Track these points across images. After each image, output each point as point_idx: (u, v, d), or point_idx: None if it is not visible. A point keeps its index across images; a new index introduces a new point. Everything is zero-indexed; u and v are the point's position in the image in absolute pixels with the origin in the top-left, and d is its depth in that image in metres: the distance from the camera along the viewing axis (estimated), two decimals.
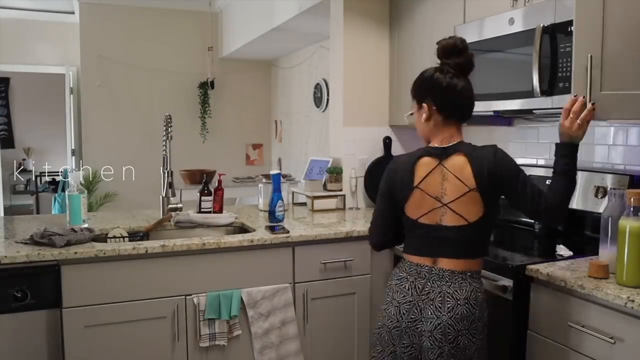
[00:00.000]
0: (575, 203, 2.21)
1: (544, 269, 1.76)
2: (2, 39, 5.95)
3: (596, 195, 2.13)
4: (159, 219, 2.56)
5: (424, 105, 1.70)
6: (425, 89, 1.71)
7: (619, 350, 1.50)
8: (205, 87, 6.07)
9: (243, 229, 2.56)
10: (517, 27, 2.12)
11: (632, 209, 1.57)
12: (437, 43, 1.73)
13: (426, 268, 1.64)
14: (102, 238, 2.34)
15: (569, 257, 1.90)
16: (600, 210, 1.90)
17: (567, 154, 1.66)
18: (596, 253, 1.76)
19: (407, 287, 1.65)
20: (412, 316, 1.61)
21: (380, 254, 2.51)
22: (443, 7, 2.67)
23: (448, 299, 1.58)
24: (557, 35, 1.94)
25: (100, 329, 2.04)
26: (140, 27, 5.87)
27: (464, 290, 1.59)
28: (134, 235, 2.44)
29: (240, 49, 5.47)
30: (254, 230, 2.40)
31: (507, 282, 1.84)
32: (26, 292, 1.92)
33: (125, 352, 2.08)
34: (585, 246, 2.01)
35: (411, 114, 1.79)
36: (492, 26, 2.25)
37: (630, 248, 1.55)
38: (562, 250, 1.95)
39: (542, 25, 1.97)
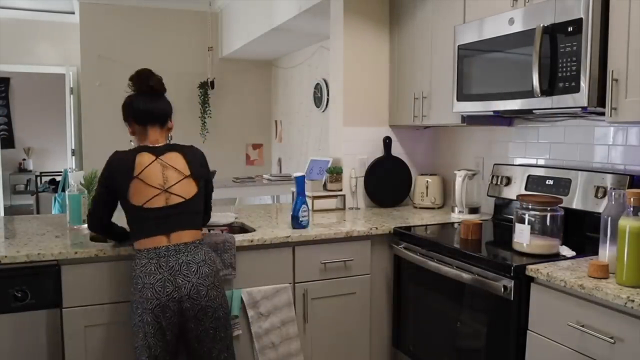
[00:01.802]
0: (575, 203, 2.22)
1: (544, 269, 1.76)
2: (2, 39, 5.95)
3: (596, 195, 2.13)
4: None
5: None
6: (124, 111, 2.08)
7: (619, 350, 1.50)
8: (205, 87, 6.07)
9: (243, 229, 2.56)
10: (517, 27, 2.12)
11: (632, 209, 1.57)
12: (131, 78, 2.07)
13: (163, 248, 1.89)
14: (102, 238, 2.33)
15: (570, 257, 1.90)
16: (600, 210, 1.90)
17: None
18: (596, 253, 1.76)
19: (152, 269, 1.86)
20: (168, 290, 1.84)
21: (380, 253, 2.52)
22: (443, 7, 2.67)
23: (191, 265, 1.89)
24: (557, 35, 1.94)
25: (100, 329, 2.04)
26: (140, 27, 5.88)
27: (199, 255, 1.93)
28: None
29: (240, 49, 5.47)
30: (254, 230, 2.40)
31: (507, 282, 1.84)
32: (26, 292, 1.92)
33: (125, 352, 2.08)
34: (585, 246, 2.01)
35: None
36: (492, 26, 2.26)
37: (630, 248, 1.55)
38: (564, 250, 1.95)
39: (542, 25, 1.97)
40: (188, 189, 1.97)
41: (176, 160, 1.99)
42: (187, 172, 1.98)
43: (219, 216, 2.61)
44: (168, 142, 2.09)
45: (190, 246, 1.92)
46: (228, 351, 1.99)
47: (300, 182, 2.45)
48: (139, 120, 2.04)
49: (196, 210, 2.00)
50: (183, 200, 1.94)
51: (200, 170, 2.03)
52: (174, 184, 1.94)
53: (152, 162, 1.94)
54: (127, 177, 1.91)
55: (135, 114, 2.04)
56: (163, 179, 1.93)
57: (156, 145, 2.02)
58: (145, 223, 1.90)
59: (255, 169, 6.39)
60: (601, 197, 2.10)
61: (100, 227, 2.06)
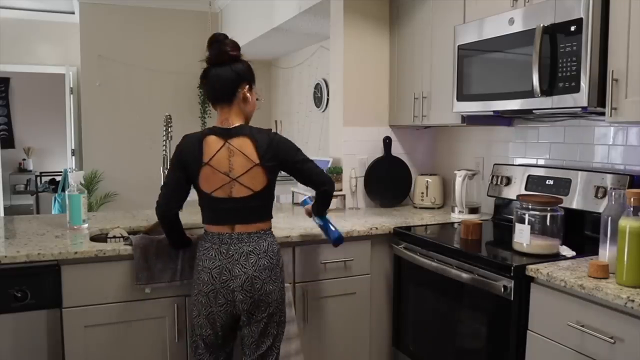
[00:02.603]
0: (575, 203, 2.22)
1: (544, 269, 1.76)
2: (2, 39, 5.95)
3: (596, 195, 2.13)
4: None
5: None
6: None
7: (619, 350, 1.50)
8: None
9: None
10: (517, 27, 2.12)
11: (632, 209, 1.57)
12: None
13: (227, 235, 1.87)
14: (102, 238, 2.34)
15: (570, 257, 1.90)
16: (600, 210, 1.90)
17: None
18: (596, 253, 1.77)
19: (213, 254, 1.86)
20: (224, 277, 1.84)
21: (380, 253, 2.52)
22: (443, 7, 2.67)
23: (251, 256, 1.85)
24: (557, 35, 1.94)
25: (100, 329, 2.04)
26: (140, 27, 5.87)
27: (262, 246, 1.87)
28: (134, 236, 2.44)
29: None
30: None
31: (507, 282, 1.84)
32: (26, 292, 1.92)
33: (125, 352, 2.08)
34: (585, 246, 2.01)
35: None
36: (492, 26, 2.26)
37: (630, 248, 1.55)
38: (564, 250, 1.95)
39: (542, 25, 1.97)
40: (257, 180, 1.87)
41: (245, 145, 1.86)
42: (257, 160, 1.86)
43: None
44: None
45: (253, 236, 1.88)
46: (276, 348, 1.96)
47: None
48: (208, 97, 1.94)
49: (264, 203, 1.92)
50: (251, 192, 1.87)
51: (272, 157, 1.88)
52: (243, 174, 1.85)
53: (221, 147, 1.85)
54: (197, 163, 1.85)
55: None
56: (229, 167, 1.85)
57: (224, 126, 1.90)
58: (213, 211, 1.89)
59: None
60: (601, 197, 2.10)
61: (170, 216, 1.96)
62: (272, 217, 1.97)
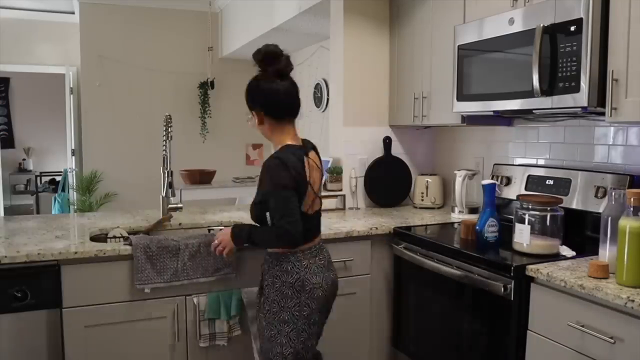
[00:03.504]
0: (575, 203, 2.22)
1: (544, 269, 1.76)
2: (2, 39, 5.95)
3: (596, 195, 2.13)
4: (159, 219, 2.56)
5: (253, 112, 1.96)
6: (252, 97, 1.95)
7: (619, 350, 1.50)
8: (205, 87, 6.07)
9: None
10: (517, 27, 2.12)
11: (632, 209, 1.57)
12: (256, 54, 1.90)
13: (316, 247, 1.95)
14: (102, 238, 2.34)
15: (570, 257, 1.90)
16: (600, 210, 1.90)
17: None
18: (596, 253, 1.77)
19: (315, 269, 1.90)
20: (328, 284, 1.93)
21: (380, 253, 2.52)
22: (443, 7, 2.67)
23: (331, 258, 2.01)
24: (557, 35, 1.94)
25: (100, 329, 2.04)
26: (140, 27, 5.87)
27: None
28: (134, 235, 2.44)
29: (240, 49, 5.46)
30: None
31: (507, 282, 1.84)
32: (26, 292, 1.92)
33: (125, 352, 2.08)
34: (585, 246, 2.01)
35: (248, 120, 2.02)
36: (492, 26, 2.26)
37: (630, 248, 1.55)
38: (564, 250, 1.95)
39: (542, 25, 1.97)
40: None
41: (316, 159, 1.97)
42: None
43: None
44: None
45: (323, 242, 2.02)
46: None
47: (489, 191, 2.15)
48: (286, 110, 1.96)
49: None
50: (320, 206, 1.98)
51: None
52: (319, 188, 1.95)
53: (309, 164, 1.89)
54: (304, 183, 1.85)
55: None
56: (316, 182, 1.93)
57: (297, 141, 1.99)
58: (306, 230, 1.85)
59: (255, 169, 6.37)
60: (601, 197, 2.10)
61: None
62: None
